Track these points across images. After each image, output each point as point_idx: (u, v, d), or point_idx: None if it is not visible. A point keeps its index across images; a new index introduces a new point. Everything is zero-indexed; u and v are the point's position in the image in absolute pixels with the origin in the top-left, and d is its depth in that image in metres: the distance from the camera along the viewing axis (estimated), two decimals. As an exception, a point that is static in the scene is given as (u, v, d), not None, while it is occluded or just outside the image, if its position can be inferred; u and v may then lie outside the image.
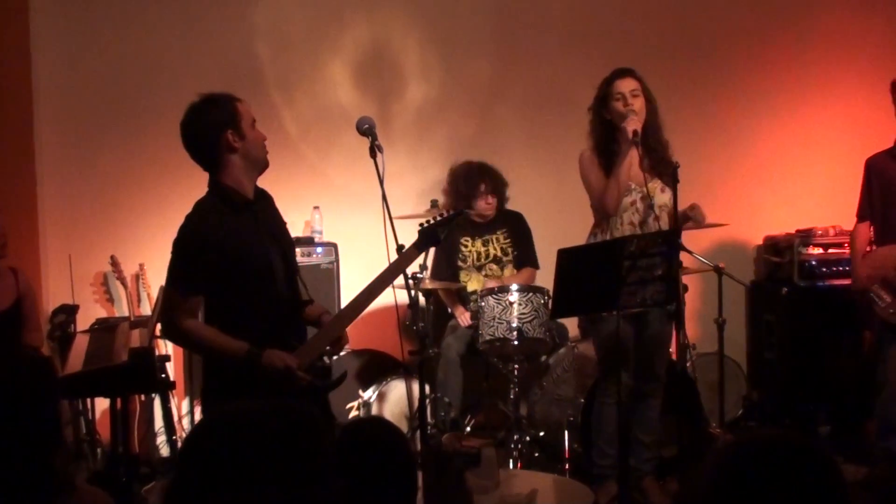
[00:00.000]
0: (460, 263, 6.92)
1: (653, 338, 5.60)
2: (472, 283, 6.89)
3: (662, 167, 5.45)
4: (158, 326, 6.57)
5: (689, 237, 5.81)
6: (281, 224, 4.41)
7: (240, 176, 4.21)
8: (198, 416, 7.06)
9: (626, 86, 5.45)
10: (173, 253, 4.16)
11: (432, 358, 6.44)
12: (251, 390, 3.96)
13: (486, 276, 6.87)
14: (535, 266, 6.92)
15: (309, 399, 4.03)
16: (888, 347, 5.89)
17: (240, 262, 4.09)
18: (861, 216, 6.15)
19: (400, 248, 4.42)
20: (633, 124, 5.32)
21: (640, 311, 5.41)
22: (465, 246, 6.93)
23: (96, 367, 5.11)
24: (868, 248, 6.16)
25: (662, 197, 5.46)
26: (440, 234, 4.45)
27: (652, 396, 5.69)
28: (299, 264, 6.70)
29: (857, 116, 7.73)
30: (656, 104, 5.55)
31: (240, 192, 4.20)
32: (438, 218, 4.45)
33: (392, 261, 4.38)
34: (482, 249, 6.93)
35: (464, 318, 6.74)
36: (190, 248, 4.10)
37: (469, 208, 6.86)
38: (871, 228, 6.10)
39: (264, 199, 4.37)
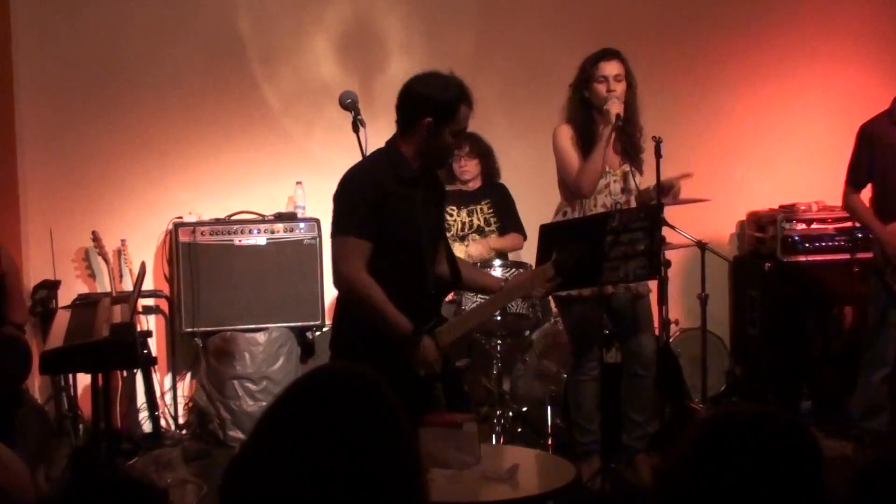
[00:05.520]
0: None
1: (622, 321, 5.63)
2: (455, 252, 6.86)
3: (634, 152, 5.48)
4: (140, 302, 6.59)
5: (671, 212, 5.81)
6: (439, 205, 4.59)
7: (415, 154, 4.30)
8: (180, 392, 7.06)
9: (612, 69, 5.44)
10: (344, 197, 4.29)
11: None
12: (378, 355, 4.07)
13: (467, 245, 6.85)
14: (523, 233, 6.88)
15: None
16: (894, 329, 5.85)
17: (393, 224, 4.24)
18: (855, 185, 5.99)
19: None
20: (616, 107, 5.35)
21: (609, 293, 5.45)
22: (451, 215, 6.90)
23: (77, 342, 5.09)
24: None
25: (633, 181, 5.50)
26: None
27: (642, 378, 5.70)
28: (281, 240, 6.76)
29: (839, 91, 7.72)
30: (636, 88, 5.55)
31: (411, 164, 4.30)
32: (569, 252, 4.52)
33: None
34: (466, 220, 6.91)
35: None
36: (363, 191, 4.23)
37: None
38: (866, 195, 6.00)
39: (436, 184, 4.52)
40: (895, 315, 5.81)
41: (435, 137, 4.25)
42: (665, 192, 5.45)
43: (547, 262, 4.53)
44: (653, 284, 5.63)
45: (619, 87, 5.43)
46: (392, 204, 4.24)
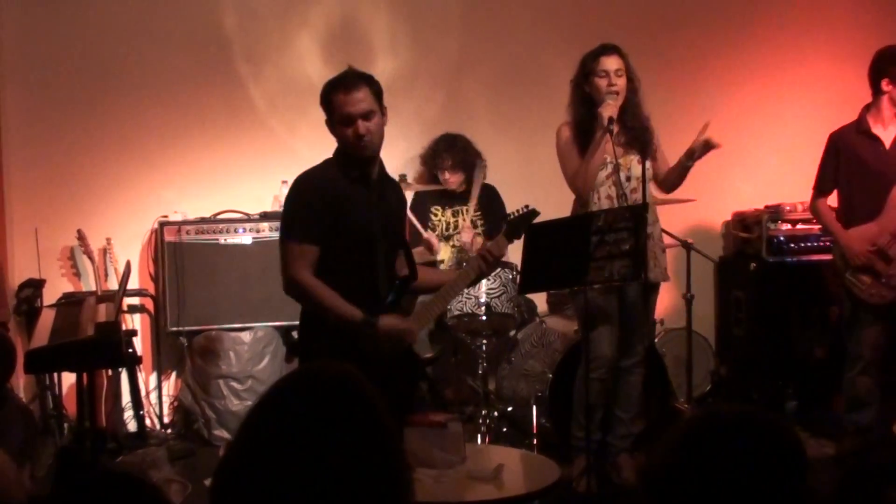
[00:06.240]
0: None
1: (632, 313, 5.61)
2: (440, 252, 6.87)
3: (640, 141, 5.48)
4: (125, 301, 6.58)
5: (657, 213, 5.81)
6: (396, 207, 4.55)
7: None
8: (165, 391, 7.04)
9: (612, 64, 5.45)
10: (289, 202, 4.33)
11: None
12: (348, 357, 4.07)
13: (453, 246, 6.85)
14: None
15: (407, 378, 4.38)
16: (865, 326, 5.89)
17: (344, 225, 4.23)
18: (821, 191, 6.08)
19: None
20: (609, 110, 5.34)
21: (621, 284, 5.44)
22: (435, 215, 6.90)
23: (62, 341, 5.08)
24: None
25: (639, 169, 5.47)
26: (521, 232, 4.68)
27: (631, 373, 5.70)
28: (266, 239, 6.74)
29: (825, 92, 7.73)
30: (638, 82, 5.55)
31: (356, 163, 4.30)
32: (520, 213, 4.66)
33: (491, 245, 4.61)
34: (451, 220, 6.91)
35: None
36: (307, 196, 4.27)
37: (438, 181, 6.89)
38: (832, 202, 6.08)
39: (388, 182, 4.49)
40: (863, 314, 5.89)
41: (335, 133, 4.30)
42: (698, 151, 5.46)
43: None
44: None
45: (620, 82, 5.44)
46: (343, 205, 4.24)
